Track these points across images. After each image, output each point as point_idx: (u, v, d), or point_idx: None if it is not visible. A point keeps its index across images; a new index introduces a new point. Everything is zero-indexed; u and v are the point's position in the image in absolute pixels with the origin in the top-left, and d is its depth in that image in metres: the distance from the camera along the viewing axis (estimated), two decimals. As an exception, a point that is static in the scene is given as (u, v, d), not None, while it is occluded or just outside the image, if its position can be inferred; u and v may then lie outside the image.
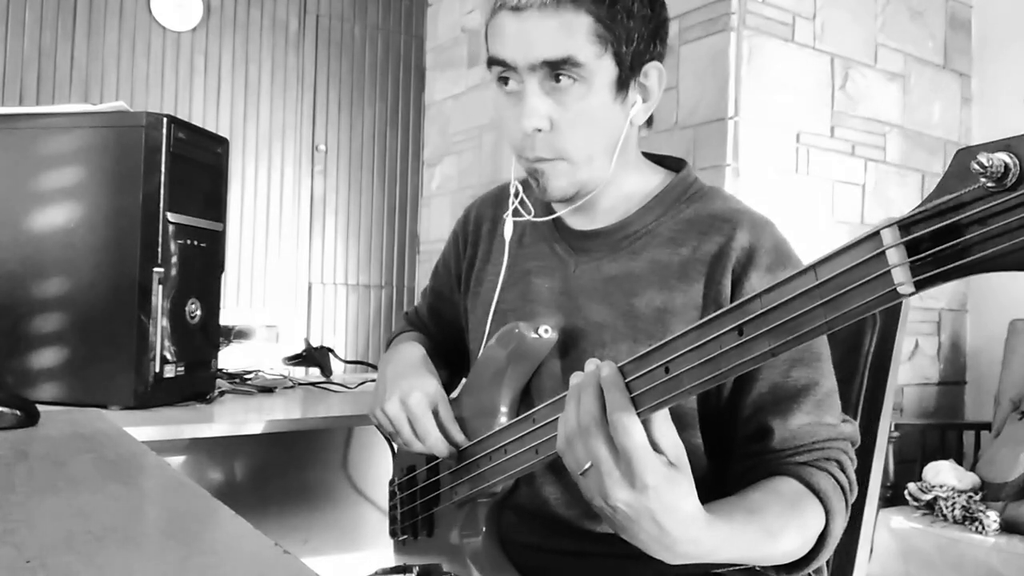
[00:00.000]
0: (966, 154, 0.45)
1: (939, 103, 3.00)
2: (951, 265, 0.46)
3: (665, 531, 0.64)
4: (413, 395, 0.94)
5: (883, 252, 0.49)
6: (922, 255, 0.47)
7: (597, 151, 0.90)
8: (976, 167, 0.44)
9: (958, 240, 0.46)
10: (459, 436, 0.93)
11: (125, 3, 3.33)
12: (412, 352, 1.05)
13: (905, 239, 0.48)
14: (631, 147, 0.95)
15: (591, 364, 0.69)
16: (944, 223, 0.46)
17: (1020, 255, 0.43)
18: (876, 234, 0.50)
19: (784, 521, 0.76)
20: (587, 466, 0.66)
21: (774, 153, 2.55)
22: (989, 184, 0.44)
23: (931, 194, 0.47)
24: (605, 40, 0.85)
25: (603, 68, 0.86)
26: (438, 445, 0.93)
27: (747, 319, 0.57)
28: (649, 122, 0.97)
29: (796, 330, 0.54)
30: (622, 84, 0.88)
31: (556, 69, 0.85)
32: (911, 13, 2.90)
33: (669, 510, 0.64)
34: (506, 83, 0.89)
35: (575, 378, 0.70)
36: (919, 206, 0.48)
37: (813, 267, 0.53)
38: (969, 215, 0.45)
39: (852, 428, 0.87)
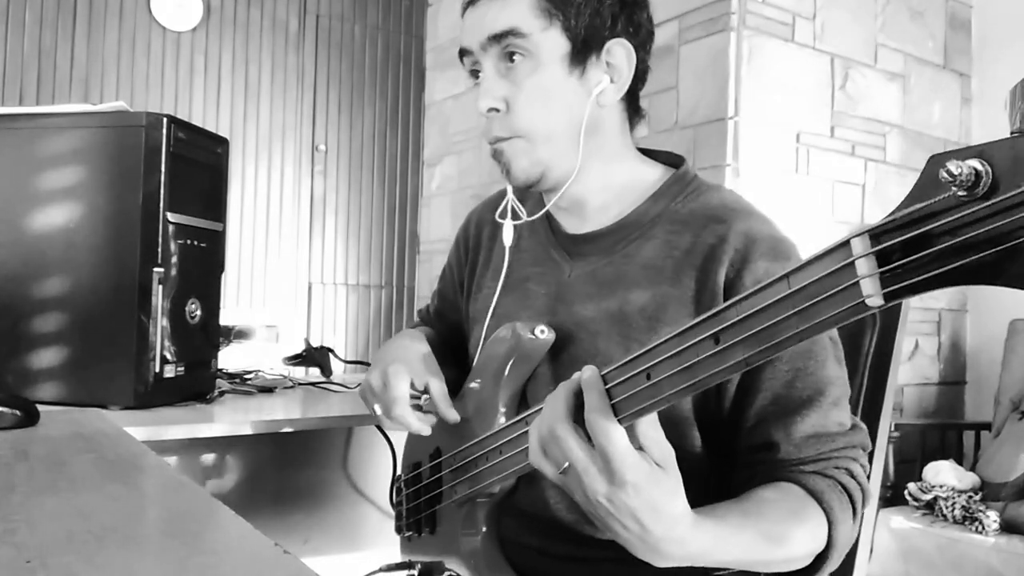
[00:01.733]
0: (936, 161, 0.43)
1: (939, 103, 3.00)
2: (921, 277, 0.44)
3: (647, 530, 0.63)
4: (393, 366, 0.95)
5: (852, 262, 0.47)
6: (892, 266, 0.45)
7: (558, 130, 0.89)
8: (945, 176, 0.41)
9: (929, 251, 0.43)
10: (452, 413, 0.94)
11: (125, 3, 3.33)
12: (408, 339, 1.07)
13: (875, 249, 0.46)
14: (609, 134, 0.93)
15: (576, 375, 0.68)
16: (914, 232, 0.44)
17: (992, 268, 0.41)
18: (846, 243, 0.48)
19: (786, 527, 0.74)
20: (565, 465, 0.65)
21: (774, 153, 2.55)
22: (960, 193, 0.41)
23: (903, 202, 0.45)
24: (550, 14, 0.87)
25: (550, 41, 0.87)
26: (404, 415, 0.93)
27: (723, 326, 0.56)
28: (638, 110, 0.96)
29: (769, 339, 0.53)
30: (577, 60, 0.88)
31: (502, 43, 0.87)
32: (911, 13, 2.90)
33: (652, 509, 0.62)
34: (476, 76, 0.92)
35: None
36: (890, 214, 0.46)
37: (787, 275, 0.52)
38: (940, 225, 0.43)
39: (862, 435, 0.84)
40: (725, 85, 2.47)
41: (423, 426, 0.94)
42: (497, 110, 0.89)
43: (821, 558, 0.77)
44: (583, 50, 0.88)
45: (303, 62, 3.68)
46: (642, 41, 0.92)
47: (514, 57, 0.87)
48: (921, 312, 2.96)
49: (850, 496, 0.79)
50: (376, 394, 0.97)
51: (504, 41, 0.87)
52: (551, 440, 0.66)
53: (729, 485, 0.84)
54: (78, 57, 3.25)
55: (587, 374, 0.66)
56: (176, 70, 3.43)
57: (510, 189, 0.99)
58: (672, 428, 0.73)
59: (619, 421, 0.63)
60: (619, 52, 0.90)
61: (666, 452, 0.64)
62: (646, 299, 0.87)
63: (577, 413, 0.65)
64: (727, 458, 0.87)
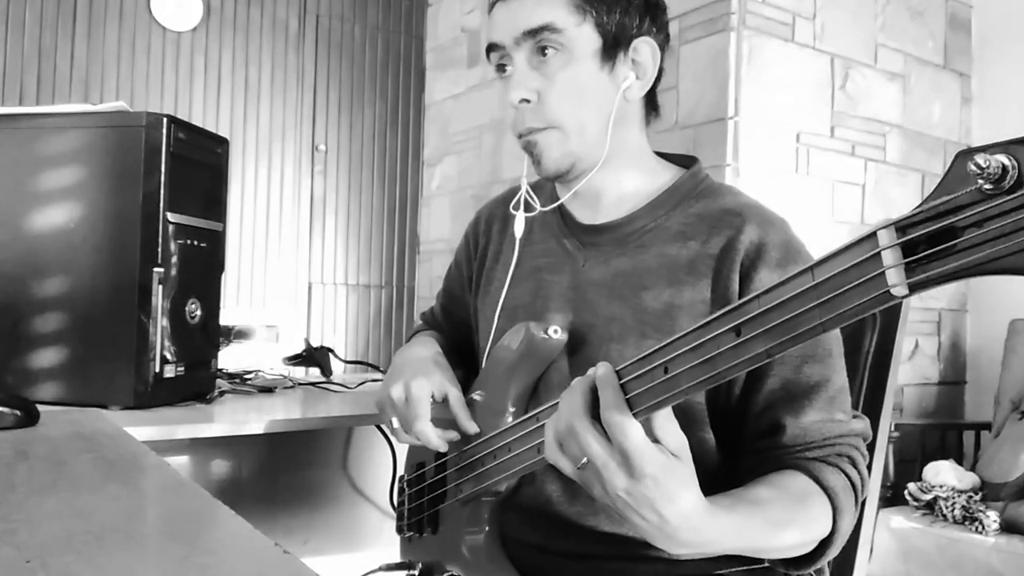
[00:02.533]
0: (965, 155, 0.45)
1: (939, 103, 3.00)
2: (945, 268, 0.45)
3: (665, 520, 0.65)
4: (416, 381, 0.96)
5: (878, 253, 0.48)
6: (917, 257, 0.47)
7: (588, 122, 0.91)
8: (973, 168, 0.43)
9: (954, 242, 0.45)
10: (469, 424, 0.94)
11: (125, 3, 3.33)
12: (424, 348, 1.07)
13: (901, 240, 0.47)
14: (632, 128, 0.96)
15: (591, 371, 0.69)
16: (940, 225, 0.45)
17: (1014, 259, 0.43)
18: (873, 235, 0.49)
19: (790, 515, 0.76)
20: (584, 460, 0.66)
21: (774, 153, 2.55)
22: (986, 186, 0.43)
23: (930, 195, 0.47)
24: (583, 10, 0.89)
25: (584, 37, 0.90)
26: (425, 431, 0.94)
27: (745, 319, 0.57)
28: (655, 107, 0.99)
29: (791, 331, 0.54)
30: (608, 55, 0.91)
31: (537, 39, 0.89)
32: (911, 13, 2.90)
33: (669, 499, 0.64)
34: (503, 70, 0.94)
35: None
36: (917, 207, 0.47)
37: (811, 268, 0.53)
38: (965, 217, 0.44)
39: (863, 424, 0.87)
40: (725, 85, 2.47)
41: (442, 443, 0.95)
42: (528, 101, 0.91)
43: (825, 543, 0.79)
44: (613, 46, 0.91)
45: (303, 62, 3.68)
46: (662, 41, 0.95)
47: (547, 51, 0.89)
48: (921, 312, 2.96)
49: (852, 484, 0.81)
50: (397, 408, 0.97)
51: (539, 36, 0.89)
52: (569, 436, 0.67)
53: (736, 475, 0.86)
54: (78, 57, 3.25)
55: (602, 371, 0.67)
56: (176, 70, 3.43)
57: (524, 181, 1.01)
58: (687, 427, 0.76)
59: (636, 414, 0.64)
60: (645, 50, 0.93)
61: (681, 442, 0.66)
62: (663, 289, 0.89)
63: (594, 409, 0.66)
64: (736, 450, 0.88)
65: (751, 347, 0.57)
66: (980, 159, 0.43)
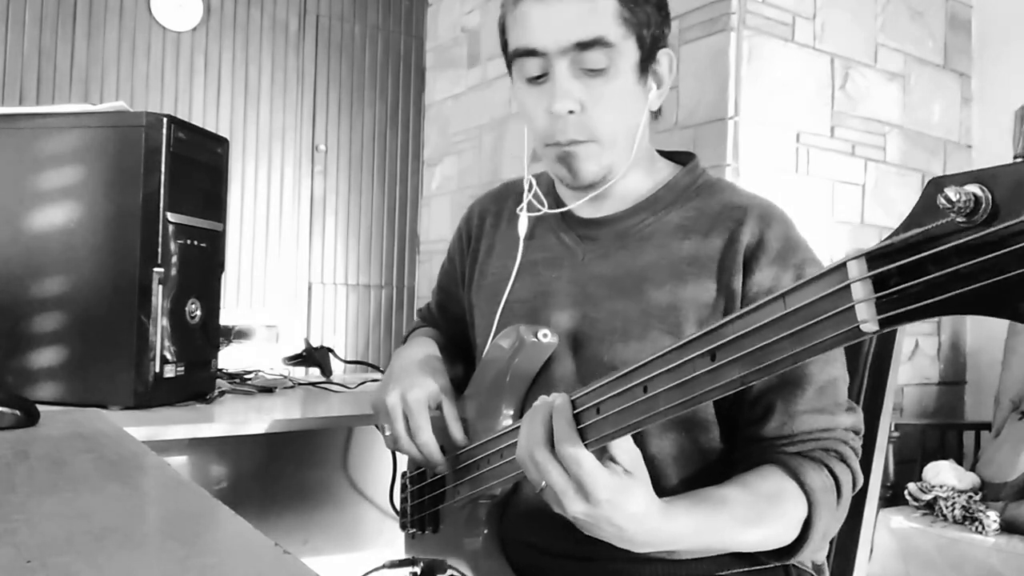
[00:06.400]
0: (936, 185, 0.42)
1: (939, 103, 3.00)
2: (917, 305, 0.43)
3: (623, 530, 0.69)
4: (413, 391, 0.95)
5: (848, 286, 0.46)
6: (889, 291, 0.44)
7: (621, 134, 0.91)
8: (943, 202, 0.40)
9: (927, 278, 0.42)
10: (460, 435, 0.94)
11: (125, 3, 3.33)
12: (421, 350, 1.06)
13: (872, 273, 0.45)
14: (647, 136, 0.96)
15: (550, 398, 0.71)
16: (912, 258, 0.43)
17: (991, 299, 0.40)
18: (843, 266, 0.47)
19: (757, 512, 0.78)
20: (543, 484, 0.70)
21: (774, 153, 2.55)
22: (959, 219, 0.40)
23: (901, 224, 0.44)
24: (629, 22, 0.88)
25: (628, 50, 0.89)
26: (429, 444, 0.94)
27: (719, 344, 0.55)
28: (656, 112, 0.99)
29: (763, 360, 0.52)
30: (643, 68, 0.91)
31: (586, 51, 0.87)
32: (911, 13, 2.90)
33: (623, 514, 0.68)
34: (539, 79, 0.90)
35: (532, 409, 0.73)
36: (889, 237, 0.44)
37: (783, 295, 0.51)
38: (938, 252, 0.41)
39: (854, 418, 0.87)
40: (725, 85, 2.47)
41: (442, 460, 0.95)
42: (573, 112, 0.89)
43: (800, 539, 0.80)
44: (647, 59, 0.91)
45: (303, 62, 3.68)
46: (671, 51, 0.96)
47: (589, 60, 0.87)
48: (921, 312, 2.96)
49: (836, 479, 0.82)
50: (392, 416, 0.97)
51: (591, 49, 0.87)
52: (529, 463, 0.71)
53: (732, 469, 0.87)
54: (78, 57, 3.25)
55: (558, 401, 0.70)
56: (176, 70, 3.43)
57: (530, 180, 1.00)
58: (694, 429, 0.77)
59: (601, 439, 0.66)
60: (664, 60, 0.94)
61: (634, 457, 0.69)
62: (667, 285, 0.89)
63: (551, 440, 0.70)
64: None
65: (726, 373, 0.55)
66: (951, 192, 0.40)
